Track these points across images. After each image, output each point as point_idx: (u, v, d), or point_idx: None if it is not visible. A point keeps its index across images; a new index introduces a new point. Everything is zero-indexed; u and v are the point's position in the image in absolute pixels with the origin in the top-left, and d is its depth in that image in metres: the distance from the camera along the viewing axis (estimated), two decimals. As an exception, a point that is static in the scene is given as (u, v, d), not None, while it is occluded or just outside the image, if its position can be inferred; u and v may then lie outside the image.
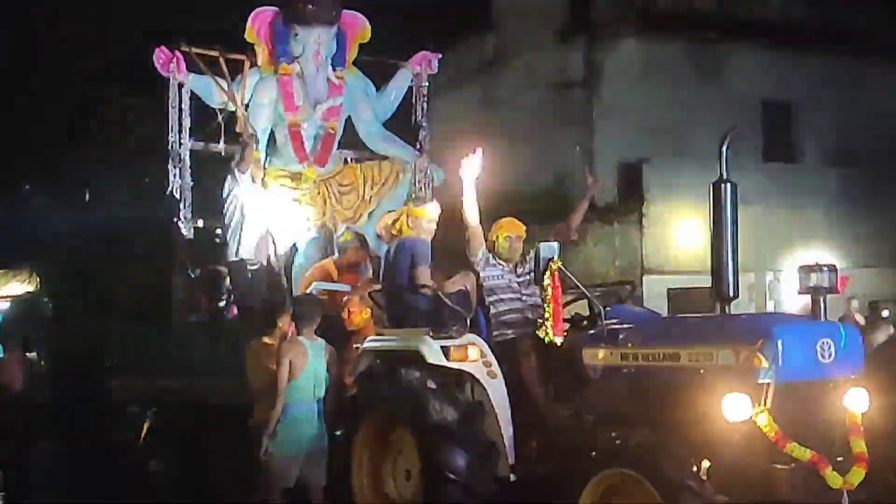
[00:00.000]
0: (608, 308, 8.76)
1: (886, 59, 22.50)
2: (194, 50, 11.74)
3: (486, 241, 9.27)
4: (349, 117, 12.35)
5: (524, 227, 9.39)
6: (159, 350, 11.70)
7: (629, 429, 7.29)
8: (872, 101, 22.45)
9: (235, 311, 10.84)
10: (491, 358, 8.57)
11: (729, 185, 7.99)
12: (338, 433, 9.19)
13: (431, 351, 8.47)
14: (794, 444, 6.93)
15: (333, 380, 9.19)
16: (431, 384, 8.41)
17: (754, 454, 7.02)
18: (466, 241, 9.28)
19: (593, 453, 7.35)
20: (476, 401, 8.48)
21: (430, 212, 9.90)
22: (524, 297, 9.09)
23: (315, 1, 11.74)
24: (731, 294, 8.18)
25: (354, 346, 9.36)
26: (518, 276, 9.20)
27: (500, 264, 9.21)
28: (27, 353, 17.68)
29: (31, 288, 25.77)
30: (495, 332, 8.90)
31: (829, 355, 7.34)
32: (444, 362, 8.45)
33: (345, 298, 10.01)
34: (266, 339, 9.53)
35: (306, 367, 8.89)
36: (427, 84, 12.88)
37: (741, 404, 6.95)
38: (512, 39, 22.85)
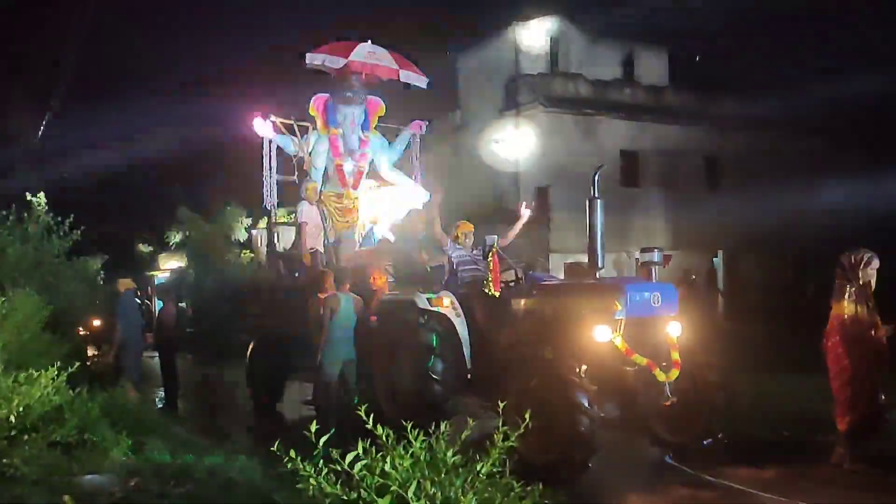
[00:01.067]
0: (528, 274, 8.90)
1: (696, 126, 22.53)
2: (279, 119, 11.66)
3: (449, 234, 9.13)
4: (372, 160, 12.23)
5: (473, 227, 9.29)
6: (258, 302, 11.57)
7: (538, 347, 7.26)
8: (684, 152, 22.50)
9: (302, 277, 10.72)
10: (457, 305, 8.52)
11: (598, 200, 7.99)
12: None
13: (421, 301, 8.46)
14: (637, 355, 7.02)
15: (362, 319, 9.10)
16: (421, 321, 8.39)
17: (613, 361, 7.08)
18: (436, 239, 9.19)
19: (516, 363, 7.31)
20: (448, 331, 8.41)
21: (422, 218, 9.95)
22: (478, 268, 8.97)
23: (352, 91, 11.68)
24: (600, 266, 8.17)
25: (376, 298, 9.22)
26: (473, 255, 9.08)
27: (462, 248, 9.10)
28: (179, 304, 17.64)
29: (181, 263, 25.66)
30: (460, 289, 8.80)
31: (658, 302, 7.40)
32: (429, 307, 8.43)
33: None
34: (320, 294, 9.45)
35: (341, 310, 8.83)
36: (420, 140, 12.79)
37: (605, 332, 7.02)
38: (471, 114, 22.88)
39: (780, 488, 6.49)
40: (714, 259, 19.05)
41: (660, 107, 22.09)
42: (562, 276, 14.78)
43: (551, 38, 22.09)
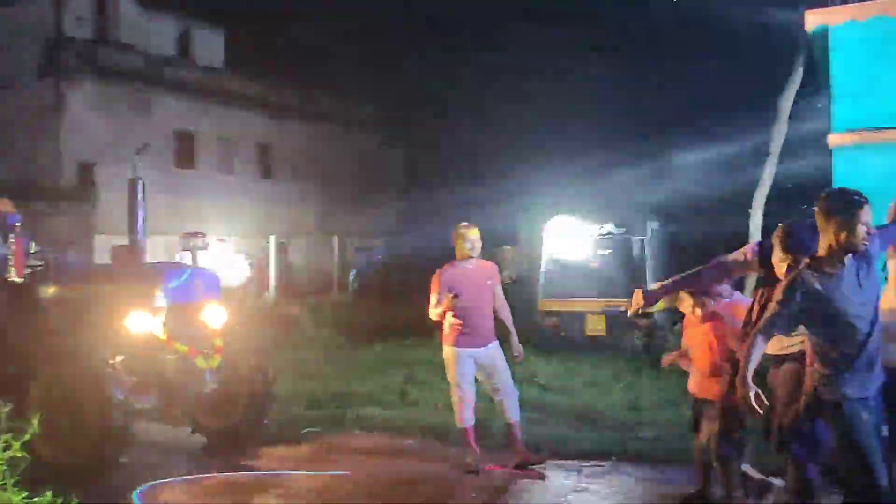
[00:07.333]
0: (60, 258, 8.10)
1: (253, 112, 22.60)
2: None
3: None
4: None
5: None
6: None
7: (67, 339, 6.65)
8: (242, 136, 22.56)
9: None
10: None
11: (140, 181, 7.61)
12: None
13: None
14: (178, 343, 6.81)
15: None
16: None
17: (153, 350, 6.75)
18: None
19: (42, 357, 6.57)
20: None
21: None
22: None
23: None
24: (143, 250, 7.82)
25: None
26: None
27: None
28: None
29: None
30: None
31: (200, 288, 7.21)
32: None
33: None
34: None
35: None
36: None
37: (144, 319, 6.70)
38: (4, 76, 19.96)
39: (313, 464, 6.91)
40: (266, 244, 19.46)
41: (219, 89, 21.88)
42: (108, 260, 13.89)
43: (99, 2, 20.44)
